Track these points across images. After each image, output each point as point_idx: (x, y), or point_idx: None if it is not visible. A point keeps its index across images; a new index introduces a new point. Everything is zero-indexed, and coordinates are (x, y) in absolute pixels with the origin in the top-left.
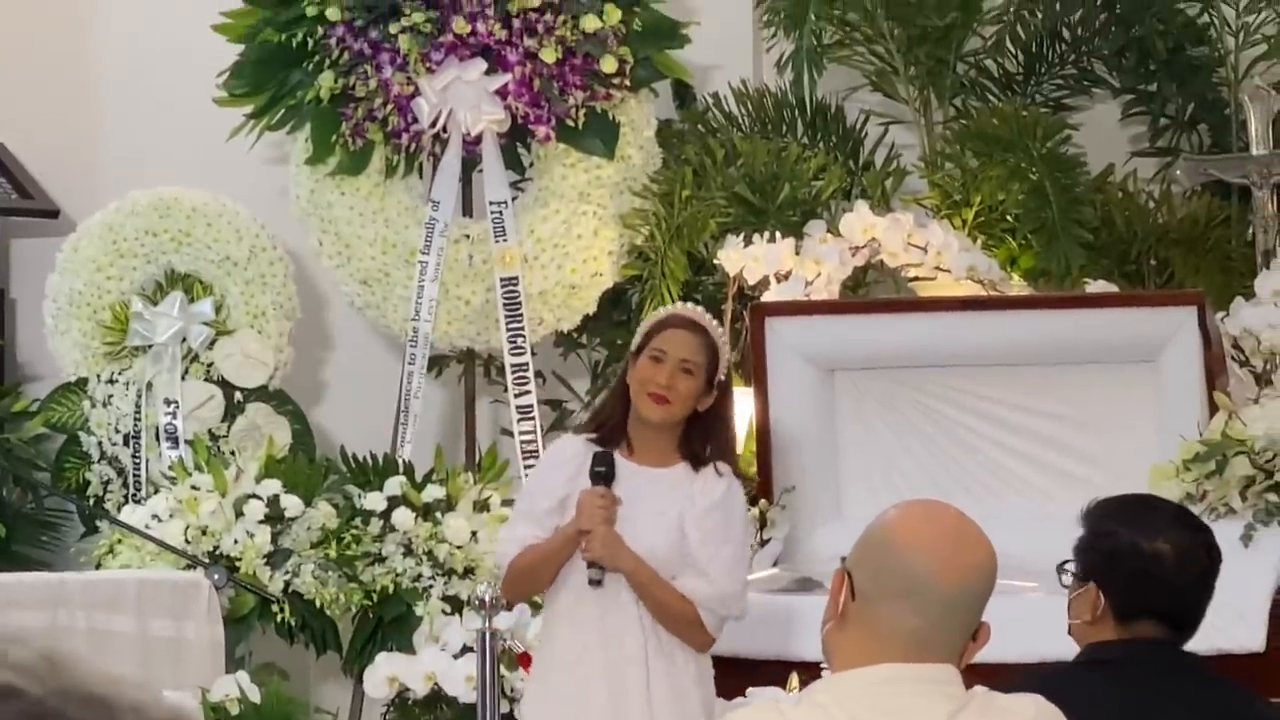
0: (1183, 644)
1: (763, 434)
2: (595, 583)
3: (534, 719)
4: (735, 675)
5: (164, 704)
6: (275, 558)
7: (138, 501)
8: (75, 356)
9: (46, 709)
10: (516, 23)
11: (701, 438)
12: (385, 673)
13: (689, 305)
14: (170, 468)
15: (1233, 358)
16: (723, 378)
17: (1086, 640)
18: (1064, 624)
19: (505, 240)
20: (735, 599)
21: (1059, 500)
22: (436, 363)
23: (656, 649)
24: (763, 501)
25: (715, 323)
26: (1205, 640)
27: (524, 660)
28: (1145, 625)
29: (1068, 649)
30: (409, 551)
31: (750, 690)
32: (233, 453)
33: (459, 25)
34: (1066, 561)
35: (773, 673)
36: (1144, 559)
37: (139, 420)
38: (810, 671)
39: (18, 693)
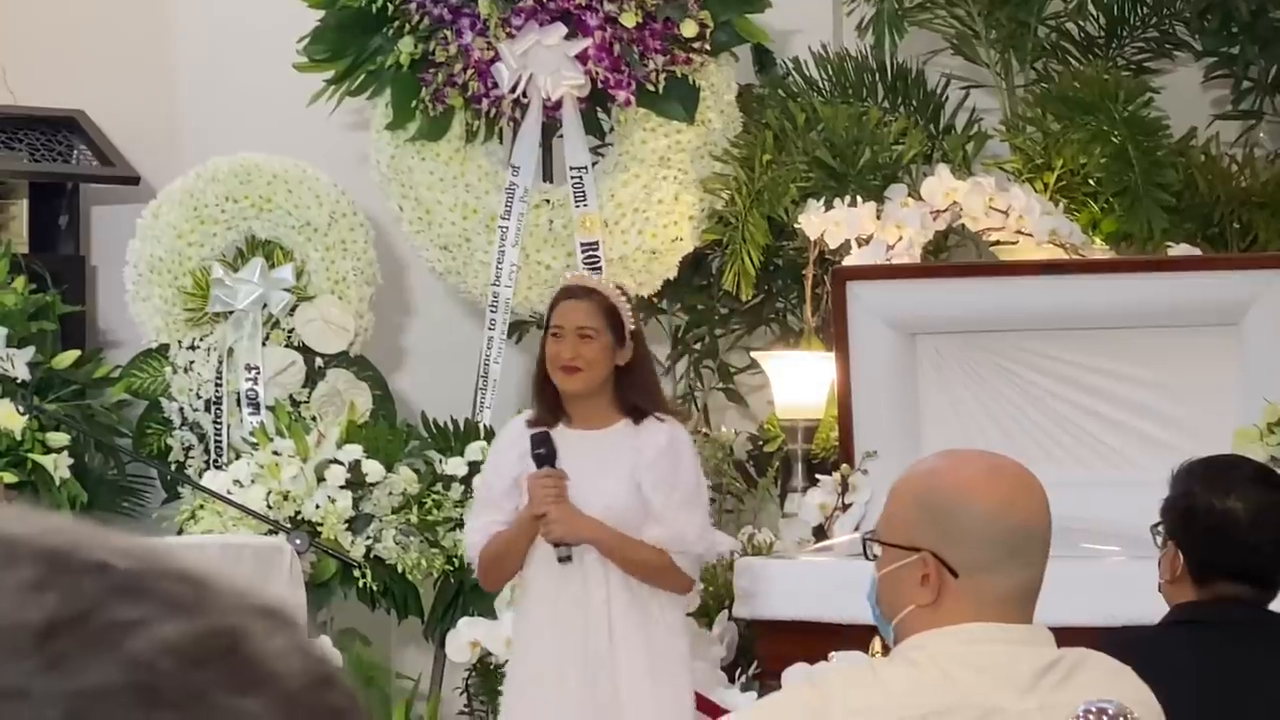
0: (1265, 604)
1: (844, 398)
2: (565, 559)
3: (512, 696)
4: (817, 639)
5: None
6: (357, 523)
7: (219, 467)
8: (156, 323)
9: (138, 581)
10: None
11: (633, 390)
12: (467, 637)
13: (578, 274)
14: (251, 433)
15: None
16: (632, 328)
17: (1172, 600)
18: (1145, 588)
19: (585, 205)
20: (697, 538)
21: (1140, 464)
22: (517, 328)
23: (628, 603)
24: (845, 466)
25: (605, 281)
26: None
27: None
28: (1222, 584)
29: (1148, 613)
30: None
31: (833, 654)
32: (314, 418)
33: None
34: (1157, 524)
35: (854, 637)
36: (1216, 516)
37: (220, 386)
38: None
39: (106, 568)
